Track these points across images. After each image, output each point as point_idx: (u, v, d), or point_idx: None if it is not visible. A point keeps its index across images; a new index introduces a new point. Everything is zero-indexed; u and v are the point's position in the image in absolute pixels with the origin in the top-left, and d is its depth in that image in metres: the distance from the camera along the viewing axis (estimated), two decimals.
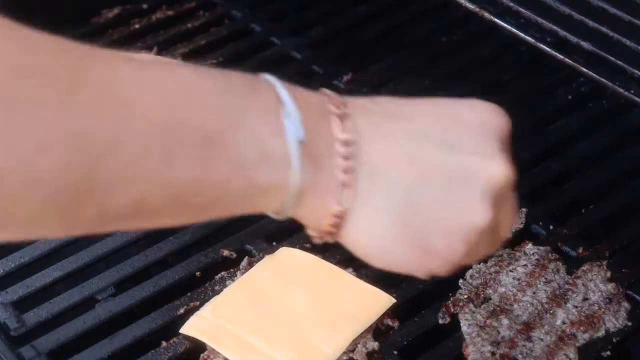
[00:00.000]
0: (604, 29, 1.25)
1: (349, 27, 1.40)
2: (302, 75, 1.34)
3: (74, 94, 0.52)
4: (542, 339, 0.94)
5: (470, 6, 1.38)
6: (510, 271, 1.00)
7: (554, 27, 1.31)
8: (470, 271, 1.01)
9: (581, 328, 0.95)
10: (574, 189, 1.15)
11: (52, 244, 1.09)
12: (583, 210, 1.12)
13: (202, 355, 0.96)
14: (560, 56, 1.30)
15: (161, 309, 1.01)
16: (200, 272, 1.06)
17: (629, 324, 0.97)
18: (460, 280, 1.00)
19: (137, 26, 1.40)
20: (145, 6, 1.43)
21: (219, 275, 1.04)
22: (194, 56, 1.34)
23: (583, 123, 1.24)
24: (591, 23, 1.27)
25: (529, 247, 1.03)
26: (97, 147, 0.52)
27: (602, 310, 0.96)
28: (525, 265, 1.00)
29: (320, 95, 0.63)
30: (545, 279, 0.99)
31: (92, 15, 1.41)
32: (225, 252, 1.07)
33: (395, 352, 0.96)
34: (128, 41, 1.36)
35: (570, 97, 1.28)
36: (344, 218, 0.62)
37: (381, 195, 0.61)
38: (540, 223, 1.10)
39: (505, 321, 0.95)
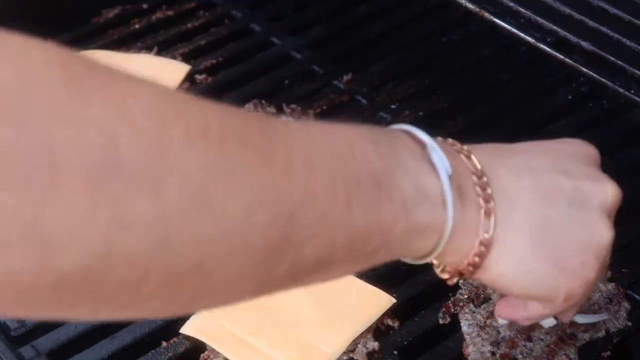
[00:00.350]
0: (604, 29, 1.25)
1: (349, 27, 1.40)
2: (302, 75, 1.34)
3: (271, 154, 0.52)
4: (542, 339, 0.94)
5: (470, 6, 1.38)
6: None
7: (554, 27, 1.31)
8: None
9: (581, 328, 0.95)
10: None
11: None
12: None
13: (202, 355, 0.96)
14: (560, 56, 1.30)
15: None
16: None
17: (629, 324, 0.97)
18: (461, 281, 1.00)
19: (137, 26, 1.40)
20: (145, 6, 1.43)
21: None
22: (194, 56, 1.34)
23: (583, 123, 1.24)
24: (591, 23, 1.27)
25: None
26: (293, 204, 0.53)
27: (602, 310, 0.96)
28: None
29: (439, 139, 0.68)
30: None
31: (92, 15, 1.41)
32: None
33: (395, 352, 0.96)
34: (128, 41, 1.37)
35: (570, 97, 1.28)
36: (490, 246, 0.65)
37: (519, 220, 0.65)
38: None
39: (505, 321, 0.95)
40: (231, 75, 1.33)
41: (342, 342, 0.96)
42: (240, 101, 1.25)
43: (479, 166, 0.66)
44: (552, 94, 1.28)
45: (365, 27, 1.40)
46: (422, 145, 0.64)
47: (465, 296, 0.99)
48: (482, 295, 0.98)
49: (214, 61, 1.34)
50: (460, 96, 1.29)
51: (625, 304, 0.98)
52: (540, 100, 1.28)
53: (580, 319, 0.95)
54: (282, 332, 0.97)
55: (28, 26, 1.48)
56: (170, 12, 1.42)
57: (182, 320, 0.99)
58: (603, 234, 0.69)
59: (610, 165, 1.18)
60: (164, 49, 1.35)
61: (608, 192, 0.70)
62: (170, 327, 1.00)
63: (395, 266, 1.05)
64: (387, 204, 0.59)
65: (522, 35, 1.33)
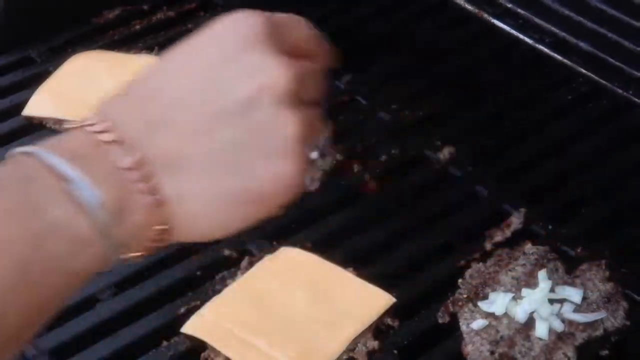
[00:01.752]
0: (602, 30, 1.26)
1: (349, 27, 1.40)
2: None
3: None
4: (541, 338, 0.94)
5: (470, 7, 1.38)
6: (510, 271, 1.00)
7: (553, 28, 1.31)
8: (469, 271, 1.01)
9: (580, 327, 0.95)
10: (573, 189, 1.16)
11: None
12: (583, 210, 1.12)
13: (202, 354, 0.96)
14: (559, 57, 1.30)
15: (162, 309, 1.02)
16: (201, 271, 1.06)
17: (627, 323, 0.97)
18: (460, 280, 1.00)
19: (137, 27, 1.40)
20: (146, 7, 1.43)
21: (220, 275, 1.04)
22: None
23: (583, 123, 1.24)
24: (590, 24, 1.27)
25: (528, 246, 1.03)
26: None
27: (601, 309, 0.97)
28: (524, 264, 1.01)
29: (77, 131, 0.60)
30: (547, 278, 0.99)
31: (92, 15, 1.41)
32: (226, 252, 1.07)
33: (395, 352, 0.97)
34: (128, 42, 1.37)
35: (569, 97, 1.28)
36: (172, 230, 0.62)
37: (194, 181, 0.61)
38: (540, 223, 1.10)
39: (504, 320, 0.96)
40: None
41: (342, 342, 0.96)
42: None
43: (129, 158, 0.59)
44: (552, 94, 1.29)
45: (365, 27, 1.40)
46: (65, 179, 0.56)
47: (465, 296, 0.99)
48: (481, 295, 0.99)
49: None
50: (460, 96, 1.29)
51: (624, 304, 0.98)
52: (540, 100, 1.28)
53: (579, 318, 0.96)
54: (283, 332, 0.97)
55: (28, 26, 1.47)
56: (170, 13, 1.43)
57: (183, 319, 0.99)
58: (285, 127, 0.61)
59: (610, 166, 1.19)
60: (164, 49, 1.35)
61: (274, 81, 0.61)
62: (171, 326, 1.00)
63: (395, 266, 1.06)
64: (43, 279, 0.55)
65: (521, 36, 1.34)
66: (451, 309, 0.98)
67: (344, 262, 1.04)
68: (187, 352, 0.97)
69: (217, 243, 1.09)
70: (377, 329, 0.98)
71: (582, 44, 1.29)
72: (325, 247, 1.07)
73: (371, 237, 1.09)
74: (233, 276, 1.04)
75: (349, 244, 1.07)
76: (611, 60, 1.26)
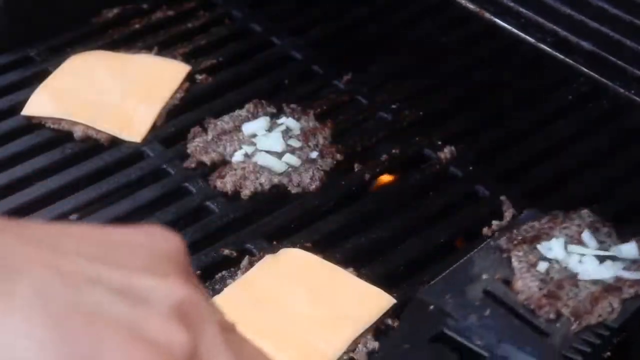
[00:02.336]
0: (604, 29, 1.25)
1: (349, 27, 1.40)
2: (302, 75, 1.34)
3: None
4: (588, 287, 0.95)
5: (470, 6, 1.38)
6: (564, 229, 1.01)
7: (555, 27, 1.31)
8: (524, 226, 1.01)
9: (628, 283, 0.95)
10: (574, 189, 1.15)
11: None
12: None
13: None
14: (561, 56, 1.30)
15: None
16: (200, 271, 1.06)
17: None
18: (514, 231, 1.01)
19: (137, 26, 1.40)
20: (145, 6, 1.43)
21: (219, 274, 1.04)
22: (194, 56, 1.34)
23: (583, 123, 1.24)
24: (591, 23, 1.27)
25: (585, 211, 1.04)
26: None
27: None
28: (579, 225, 1.01)
29: None
30: (597, 239, 1.00)
31: (92, 15, 1.41)
32: (226, 252, 1.07)
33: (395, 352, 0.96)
34: (128, 41, 1.36)
35: (570, 97, 1.28)
36: None
37: None
38: None
39: (555, 266, 0.96)
40: (231, 75, 1.33)
41: (342, 342, 0.96)
42: (240, 101, 1.26)
43: None
44: (552, 94, 1.28)
45: (365, 27, 1.40)
46: None
47: (520, 237, 0.99)
48: (535, 244, 0.99)
49: (214, 61, 1.34)
50: (460, 96, 1.29)
51: None
52: (540, 100, 1.28)
53: (628, 275, 0.96)
54: (283, 332, 0.97)
55: (28, 26, 1.47)
56: (170, 12, 1.42)
57: None
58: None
59: (610, 166, 1.19)
60: (164, 49, 1.35)
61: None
62: None
63: (395, 266, 1.06)
64: None
65: (523, 35, 1.33)
66: (504, 246, 0.98)
67: (344, 262, 1.04)
68: None
69: (215, 242, 1.09)
70: (377, 329, 0.98)
71: (583, 43, 1.28)
72: (325, 247, 1.07)
73: (371, 237, 1.09)
74: (233, 276, 1.04)
75: (349, 244, 1.07)
76: (613, 59, 1.26)
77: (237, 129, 1.20)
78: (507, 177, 1.16)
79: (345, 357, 0.95)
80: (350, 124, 1.24)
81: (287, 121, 1.20)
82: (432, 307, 0.94)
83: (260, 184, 1.14)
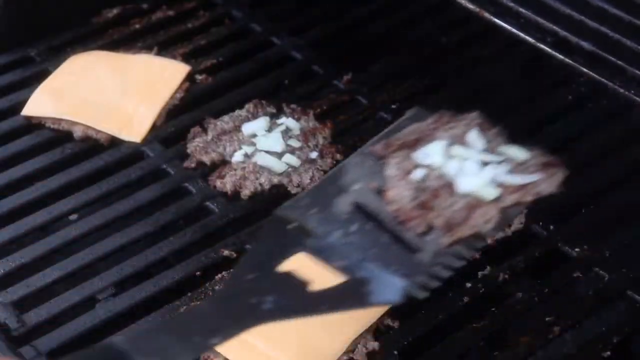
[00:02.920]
0: (604, 29, 1.26)
1: (349, 27, 1.40)
2: (302, 75, 1.34)
3: None
4: (466, 196, 0.86)
5: (470, 6, 1.38)
6: (450, 129, 0.93)
7: (554, 27, 1.31)
8: (406, 129, 0.93)
9: (509, 189, 0.87)
10: (574, 189, 1.15)
11: (52, 243, 1.09)
12: (583, 210, 1.12)
13: (202, 355, 0.96)
14: (560, 56, 1.30)
15: (161, 309, 1.01)
16: (200, 272, 1.06)
17: (561, 189, 0.91)
18: (397, 134, 0.92)
19: (137, 26, 1.40)
20: (145, 6, 1.43)
21: (219, 275, 1.04)
22: (194, 56, 1.34)
23: (583, 123, 1.24)
24: (591, 23, 1.27)
25: (475, 113, 0.96)
26: None
27: (537, 174, 0.89)
28: (467, 124, 0.94)
29: None
30: (485, 140, 0.92)
31: (92, 15, 1.41)
32: (225, 252, 1.07)
33: (395, 352, 0.96)
34: (128, 41, 1.36)
35: (570, 97, 1.28)
36: None
37: None
38: (540, 223, 1.10)
39: (434, 173, 0.88)
40: (231, 75, 1.33)
41: (342, 342, 0.96)
42: (240, 101, 1.26)
43: None
44: (552, 94, 1.29)
45: (365, 27, 1.40)
46: None
47: (400, 142, 0.91)
48: (415, 147, 0.90)
49: (214, 61, 1.34)
50: (460, 96, 1.29)
51: (561, 172, 0.90)
52: (540, 100, 1.28)
53: (511, 179, 0.88)
54: (282, 332, 0.97)
55: (28, 26, 1.47)
56: (170, 12, 1.42)
57: None
58: None
59: (610, 166, 1.19)
60: (164, 49, 1.35)
61: None
62: None
63: None
64: None
65: (522, 35, 1.33)
66: (380, 152, 0.89)
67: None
68: None
69: (215, 243, 1.09)
70: (377, 329, 0.98)
71: (583, 43, 1.28)
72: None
73: None
74: None
75: None
76: (612, 59, 1.26)
77: (237, 129, 1.20)
78: None
79: (345, 357, 0.95)
80: (350, 124, 1.25)
81: (287, 121, 1.20)
82: (291, 225, 0.84)
83: (260, 184, 1.14)
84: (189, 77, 1.30)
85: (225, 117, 1.22)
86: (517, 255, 1.06)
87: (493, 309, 1.00)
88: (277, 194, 1.14)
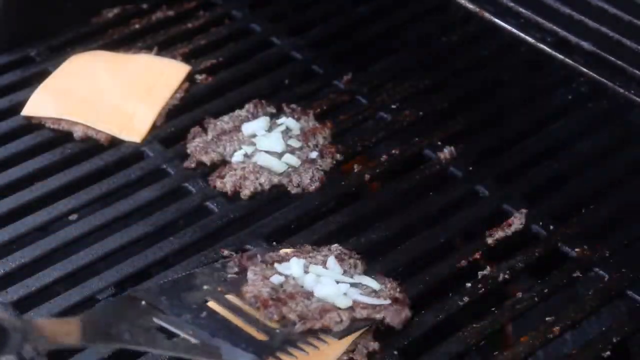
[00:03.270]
0: (604, 29, 1.25)
1: (349, 27, 1.40)
2: (302, 75, 1.34)
3: None
4: (320, 301, 0.94)
5: (470, 6, 1.38)
6: (310, 257, 1.01)
7: (554, 27, 1.31)
8: (269, 253, 1.01)
9: (361, 305, 0.95)
10: (574, 189, 1.16)
11: (52, 244, 1.09)
12: (583, 210, 1.12)
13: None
14: (560, 56, 1.30)
15: None
16: None
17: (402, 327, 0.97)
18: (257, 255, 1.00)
19: (137, 26, 1.40)
20: (145, 6, 1.43)
21: None
22: (194, 56, 1.34)
23: (583, 123, 1.24)
24: (591, 23, 1.26)
25: (335, 245, 1.04)
26: None
27: (387, 299, 0.97)
28: (326, 255, 1.01)
29: None
30: (341, 269, 1.00)
31: (92, 15, 1.41)
32: (225, 252, 1.07)
33: (395, 352, 0.96)
34: (128, 41, 1.36)
35: (570, 97, 1.28)
36: None
37: None
38: (540, 223, 1.10)
39: (292, 281, 0.96)
40: (231, 75, 1.33)
41: (343, 343, 0.95)
42: (240, 101, 1.26)
43: None
44: (552, 94, 1.29)
45: (365, 27, 1.40)
46: None
47: (260, 260, 0.99)
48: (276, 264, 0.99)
49: (214, 61, 1.34)
50: (460, 96, 1.29)
51: (407, 312, 0.98)
52: (540, 100, 1.28)
53: (363, 298, 0.96)
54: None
55: (29, 26, 1.47)
56: (170, 12, 1.42)
57: None
58: None
59: (610, 166, 1.19)
60: (164, 49, 1.35)
61: None
62: None
63: (395, 267, 1.06)
64: None
65: (522, 35, 1.33)
66: (244, 262, 0.97)
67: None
68: None
69: (215, 243, 1.09)
70: (377, 329, 0.98)
71: (583, 43, 1.28)
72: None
73: (371, 237, 1.09)
74: None
75: (348, 244, 1.07)
76: (612, 59, 1.26)
77: (237, 129, 1.20)
78: (507, 177, 1.16)
79: (345, 357, 0.95)
80: (350, 124, 1.24)
81: (287, 121, 1.20)
82: (143, 302, 0.91)
83: (260, 184, 1.14)
84: (189, 77, 1.30)
85: (225, 117, 1.22)
86: (517, 255, 1.06)
87: (493, 309, 1.00)
88: (277, 194, 1.14)
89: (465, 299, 1.01)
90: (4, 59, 1.34)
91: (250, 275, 0.96)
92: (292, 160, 1.15)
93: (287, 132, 1.19)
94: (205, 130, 1.21)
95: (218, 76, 1.32)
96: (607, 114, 1.25)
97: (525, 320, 1.02)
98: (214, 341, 0.89)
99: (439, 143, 1.20)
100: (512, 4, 1.35)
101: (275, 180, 1.14)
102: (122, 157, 1.20)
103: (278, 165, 1.15)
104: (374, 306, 0.96)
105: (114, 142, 1.21)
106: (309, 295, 0.95)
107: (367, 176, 1.17)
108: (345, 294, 0.96)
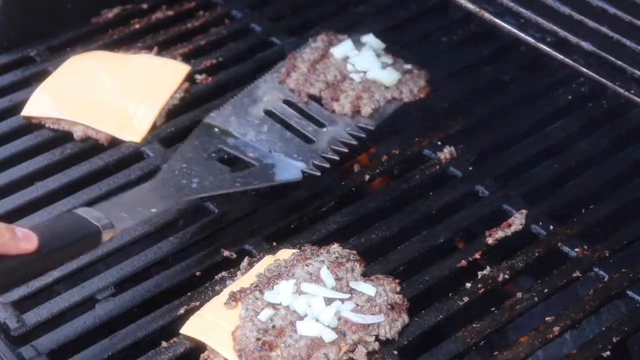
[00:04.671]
0: (604, 29, 1.25)
1: (349, 27, 1.40)
2: None
3: None
4: (309, 334, 0.94)
5: (470, 6, 1.38)
6: (306, 265, 1.01)
7: (554, 27, 1.31)
8: (270, 265, 1.02)
9: (353, 327, 0.95)
10: (574, 189, 1.15)
11: None
12: (583, 210, 1.12)
13: (202, 355, 0.96)
14: (560, 56, 1.29)
15: (161, 309, 1.01)
16: (200, 272, 1.06)
17: (398, 337, 0.97)
18: (258, 272, 1.01)
19: (137, 26, 1.40)
20: (145, 6, 1.43)
21: (219, 275, 1.04)
22: (194, 56, 1.34)
23: (583, 123, 1.24)
24: (591, 23, 1.26)
25: (334, 246, 1.04)
26: None
27: (381, 314, 0.96)
28: (322, 261, 1.01)
29: None
30: (337, 275, 1.00)
31: (92, 15, 1.41)
32: (225, 252, 1.07)
33: (395, 352, 0.96)
34: (128, 41, 1.36)
35: (570, 97, 1.28)
36: None
37: None
38: (540, 223, 1.10)
39: (282, 311, 0.96)
40: (231, 75, 1.33)
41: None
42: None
43: None
44: (552, 94, 1.29)
45: (365, 27, 1.40)
46: None
47: (255, 285, 0.99)
48: (272, 285, 0.99)
49: (214, 61, 1.34)
50: (460, 96, 1.29)
51: (405, 317, 0.98)
52: (540, 100, 1.28)
53: (355, 318, 0.96)
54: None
55: (29, 26, 1.47)
56: (170, 12, 1.42)
57: (182, 320, 0.99)
58: None
59: (610, 165, 1.19)
60: (164, 49, 1.35)
61: None
62: (170, 327, 1.00)
63: (395, 267, 1.06)
64: None
65: (522, 35, 1.33)
66: (237, 296, 0.98)
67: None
68: (187, 353, 0.97)
69: (215, 243, 1.09)
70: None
71: (583, 43, 1.28)
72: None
73: (371, 237, 1.09)
74: (233, 276, 1.04)
75: (349, 244, 1.07)
76: (612, 59, 1.25)
77: (325, 56, 1.24)
78: (507, 177, 1.16)
79: (345, 357, 0.95)
80: None
81: (369, 40, 1.25)
82: (216, 129, 1.14)
83: (377, 100, 1.18)
84: (189, 77, 1.30)
85: (306, 50, 1.26)
86: (517, 255, 1.06)
87: (493, 309, 1.00)
88: (278, 193, 1.14)
89: (465, 299, 1.01)
90: (4, 59, 1.34)
91: (242, 312, 0.97)
92: (395, 74, 1.20)
93: (376, 51, 1.24)
94: (294, 66, 1.23)
95: (218, 76, 1.32)
96: (607, 114, 1.25)
97: (525, 320, 1.02)
98: (269, 158, 1.11)
99: (439, 143, 1.20)
100: (512, 4, 1.35)
101: (388, 95, 1.19)
102: (122, 157, 1.20)
103: (389, 78, 1.19)
104: (366, 326, 0.95)
105: (114, 142, 1.21)
106: (297, 327, 0.95)
107: (367, 176, 1.17)
108: (334, 318, 0.95)
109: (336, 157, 1.12)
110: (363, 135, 1.14)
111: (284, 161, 1.11)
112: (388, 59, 1.23)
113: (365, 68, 1.21)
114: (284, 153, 1.12)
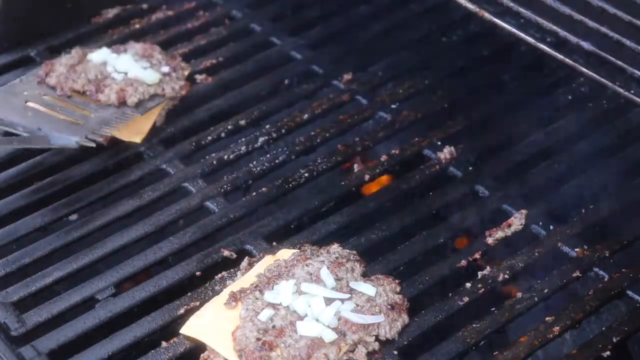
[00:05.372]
0: (604, 29, 1.25)
1: (349, 27, 1.40)
2: (302, 75, 1.34)
3: None
4: (310, 333, 0.94)
5: (470, 6, 1.38)
6: (306, 266, 1.01)
7: (554, 27, 1.31)
8: (269, 265, 1.02)
9: (353, 328, 0.95)
10: (574, 189, 1.15)
11: (52, 244, 1.09)
12: (583, 210, 1.12)
13: (202, 355, 0.96)
14: (560, 56, 1.30)
15: (161, 309, 1.01)
16: (200, 272, 1.06)
17: (397, 337, 0.97)
18: (258, 272, 1.01)
19: (137, 26, 1.40)
20: (145, 6, 1.43)
21: (219, 275, 1.04)
22: (194, 56, 1.34)
23: (583, 123, 1.24)
24: (591, 23, 1.26)
25: (334, 246, 1.04)
26: None
27: (381, 314, 0.96)
28: (322, 261, 1.01)
29: None
30: (337, 275, 1.00)
31: (92, 15, 1.41)
32: (226, 252, 1.07)
33: (395, 352, 0.96)
34: (128, 41, 1.36)
35: (570, 97, 1.28)
36: None
37: None
38: (540, 223, 1.10)
39: (282, 311, 0.96)
40: (231, 75, 1.33)
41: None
42: (241, 101, 1.26)
43: None
44: (552, 94, 1.29)
45: (365, 27, 1.40)
46: None
47: (254, 285, 0.99)
48: (272, 285, 0.99)
49: (214, 61, 1.34)
50: (460, 96, 1.29)
51: (405, 317, 0.98)
52: (540, 100, 1.28)
53: (355, 318, 0.96)
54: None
55: (29, 26, 1.47)
56: (170, 12, 1.42)
57: (182, 320, 0.99)
58: None
59: (610, 165, 1.19)
60: (164, 49, 1.35)
61: None
62: (171, 327, 1.00)
63: (395, 267, 1.06)
64: None
65: (522, 35, 1.33)
66: (237, 296, 0.98)
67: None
68: (187, 353, 0.97)
69: (215, 243, 1.09)
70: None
71: (583, 43, 1.28)
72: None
73: (371, 237, 1.09)
74: (233, 276, 1.04)
75: (348, 244, 1.07)
76: (612, 59, 1.26)
77: (83, 59, 1.26)
78: (507, 177, 1.16)
79: (345, 358, 0.95)
80: (351, 124, 1.25)
81: (129, 47, 1.30)
82: None
83: (141, 93, 1.22)
84: (189, 77, 1.30)
85: (62, 58, 1.26)
86: (517, 255, 1.06)
87: (493, 309, 1.00)
88: (277, 194, 1.14)
89: (465, 299, 1.01)
90: (4, 59, 1.34)
91: (242, 312, 0.96)
92: (156, 74, 1.24)
93: (133, 56, 1.27)
94: (51, 69, 1.25)
95: (218, 76, 1.32)
96: (607, 114, 1.25)
97: (525, 320, 1.02)
98: (41, 133, 1.15)
99: (439, 143, 1.20)
100: (512, 4, 1.35)
101: (152, 90, 1.22)
102: (122, 158, 1.20)
103: (150, 77, 1.23)
104: (366, 326, 0.95)
105: (114, 142, 1.21)
106: (296, 328, 0.95)
107: (367, 176, 1.17)
108: (334, 318, 0.95)
109: (108, 134, 1.17)
110: (131, 119, 1.20)
111: (56, 136, 1.15)
112: (146, 63, 1.26)
113: (125, 70, 1.24)
114: (55, 130, 1.16)
